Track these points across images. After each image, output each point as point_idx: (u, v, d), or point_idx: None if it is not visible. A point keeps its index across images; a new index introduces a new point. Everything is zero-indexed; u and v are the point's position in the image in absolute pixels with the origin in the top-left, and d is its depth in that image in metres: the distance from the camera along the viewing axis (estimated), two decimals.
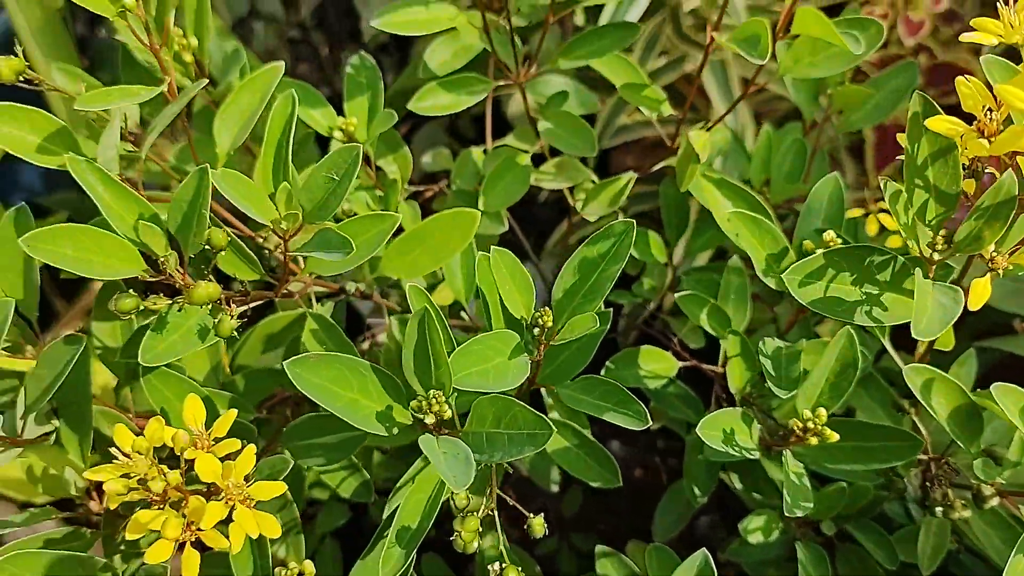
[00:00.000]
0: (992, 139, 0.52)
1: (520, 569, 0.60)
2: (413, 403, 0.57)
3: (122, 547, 0.65)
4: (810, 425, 0.65)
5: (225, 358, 0.80)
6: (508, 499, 0.62)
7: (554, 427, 0.53)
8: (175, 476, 0.51)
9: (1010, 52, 0.56)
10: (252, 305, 0.61)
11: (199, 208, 0.55)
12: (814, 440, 0.65)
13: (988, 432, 0.68)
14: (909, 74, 0.90)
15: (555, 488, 1.00)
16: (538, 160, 0.92)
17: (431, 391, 0.56)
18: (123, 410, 0.72)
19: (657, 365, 0.85)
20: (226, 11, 1.49)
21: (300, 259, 0.68)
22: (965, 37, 0.53)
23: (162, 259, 0.56)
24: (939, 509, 0.70)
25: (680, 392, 0.86)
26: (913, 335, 0.51)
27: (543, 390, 0.76)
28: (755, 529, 0.78)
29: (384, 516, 0.69)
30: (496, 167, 0.87)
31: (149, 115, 0.81)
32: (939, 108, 0.53)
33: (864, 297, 0.58)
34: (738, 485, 0.83)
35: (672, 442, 1.13)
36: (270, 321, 0.79)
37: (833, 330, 0.85)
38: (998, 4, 0.54)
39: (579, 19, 1.21)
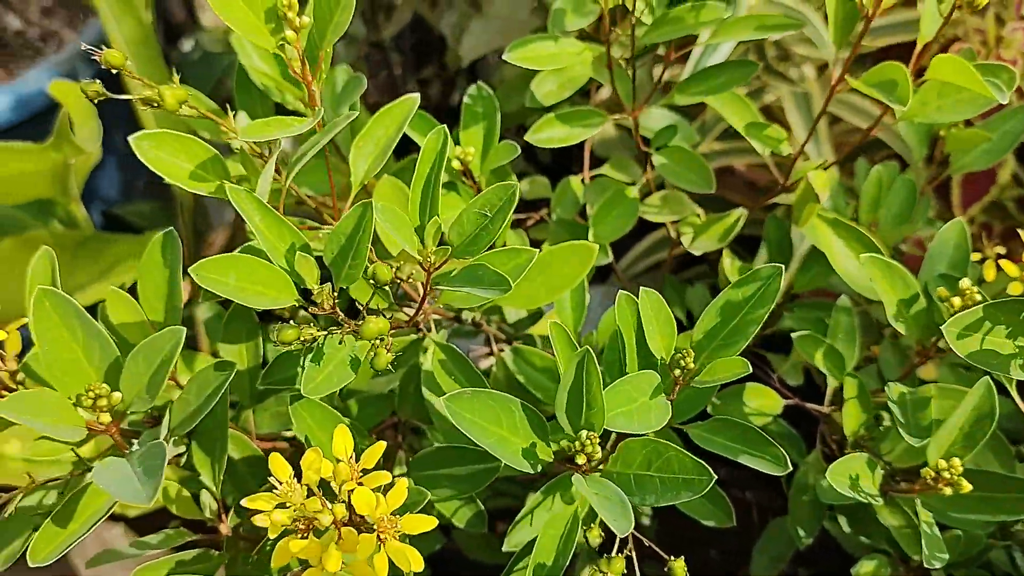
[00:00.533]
0: None
1: None
2: (564, 442, 0.57)
3: (250, 568, 0.65)
4: (945, 475, 0.64)
5: None
6: (644, 539, 0.62)
7: (712, 473, 0.53)
8: (340, 510, 0.51)
9: None
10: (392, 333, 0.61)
11: (358, 241, 0.56)
12: (948, 490, 0.65)
13: None
14: (1022, 117, 0.89)
15: (647, 521, 0.99)
16: None
17: (582, 431, 0.56)
18: (244, 432, 0.72)
19: (761, 402, 0.84)
20: None
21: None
22: None
23: (317, 290, 0.56)
24: None
25: (783, 431, 0.86)
26: None
27: None
28: (866, 574, 0.77)
29: (504, 548, 0.69)
30: (605, 200, 0.87)
31: None
32: None
33: (1017, 350, 0.57)
34: (847, 529, 0.82)
35: (741, 472, 1.12)
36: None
37: (944, 377, 0.84)
38: None
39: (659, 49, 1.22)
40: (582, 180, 0.97)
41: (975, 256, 0.84)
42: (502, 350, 0.82)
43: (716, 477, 0.53)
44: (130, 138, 0.57)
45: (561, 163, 1.37)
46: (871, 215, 0.90)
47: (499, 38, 1.11)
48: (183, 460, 0.66)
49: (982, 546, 0.77)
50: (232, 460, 0.69)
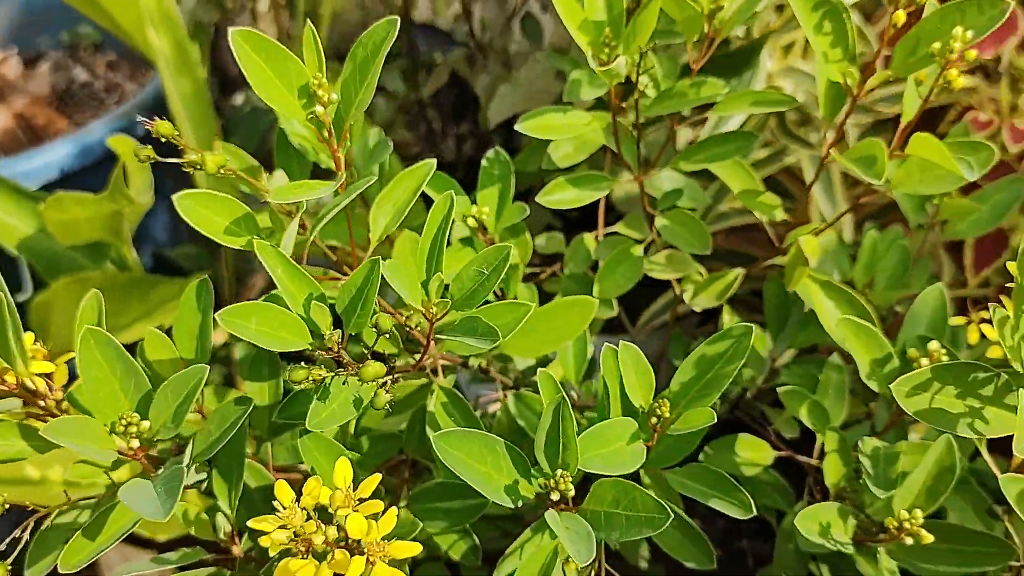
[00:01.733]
0: None
1: None
2: (540, 480, 0.62)
3: None
4: (906, 525, 0.69)
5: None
6: (615, 574, 0.67)
7: (671, 512, 0.58)
8: (333, 532, 0.57)
9: None
10: (396, 376, 0.68)
11: (366, 293, 0.62)
12: (909, 540, 0.69)
13: None
14: (1015, 189, 0.93)
15: (644, 564, 1.03)
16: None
17: (558, 470, 0.61)
18: (262, 463, 0.79)
19: (753, 454, 0.89)
20: None
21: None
22: None
23: (328, 335, 0.63)
24: None
25: (773, 481, 0.90)
26: (1015, 452, 0.55)
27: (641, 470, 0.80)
28: None
29: None
30: (612, 257, 0.93)
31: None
32: None
33: (967, 410, 0.62)
34: None
35: (748, 523, 1.15)
36: (394, 389, 0.86)
37: (929, 433, 0.88)
38: None
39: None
40: (596, 237, 1.03)
41: (960, 320, 0.89)
42: (507, 396, 0.88)
43: (673, 516, 0.58)
44: (174, 197, 0.65)
45: (589, 218, 1.44)
46: (866, 278, 0.95)
47: (524, 103, 1.18)
48: (203, 486, 0.72)
49: None
50: (249, 488, 0.76)
